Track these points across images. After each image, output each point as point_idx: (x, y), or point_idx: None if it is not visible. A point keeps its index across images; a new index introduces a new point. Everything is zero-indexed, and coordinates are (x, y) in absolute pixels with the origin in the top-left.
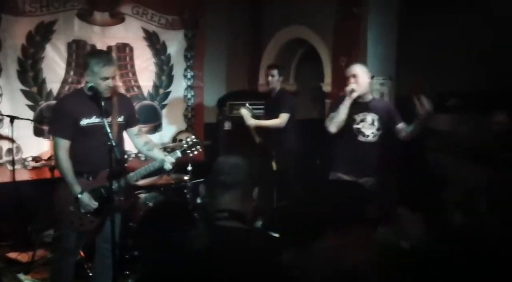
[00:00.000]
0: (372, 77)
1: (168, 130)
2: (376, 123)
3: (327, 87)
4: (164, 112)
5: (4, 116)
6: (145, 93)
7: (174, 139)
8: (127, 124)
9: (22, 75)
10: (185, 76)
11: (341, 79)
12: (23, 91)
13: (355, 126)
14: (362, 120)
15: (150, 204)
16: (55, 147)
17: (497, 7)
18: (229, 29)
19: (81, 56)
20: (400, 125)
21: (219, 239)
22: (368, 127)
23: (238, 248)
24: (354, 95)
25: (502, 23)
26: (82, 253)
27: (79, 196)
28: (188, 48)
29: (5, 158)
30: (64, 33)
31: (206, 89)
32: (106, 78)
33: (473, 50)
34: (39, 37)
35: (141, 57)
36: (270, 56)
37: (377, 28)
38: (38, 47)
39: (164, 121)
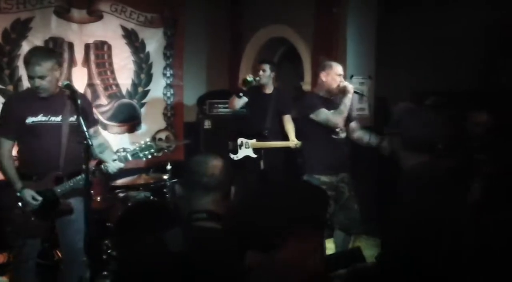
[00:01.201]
0: (352, 76)
1: (147, 129)
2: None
3: (307, 86)
4: (143, 111)
5: None
6: (124, 91)
7: (153, 138)
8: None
9: None
10: (164, 74)
11: None
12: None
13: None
14: None
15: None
16: None
17: (476, 6)
18: (209, 28)
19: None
20: (353, 124)
21: (197, 239)
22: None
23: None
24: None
25: (481, 21)
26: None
27: (19, 193)
28: (167, 47)
29: None
30: (41, 30)
31: (186, 88)
32: (32, 78)
33: (452, 49)
34: (15, 35)
35: (119, 55)
36: (250, 55)
37: (356, 28)
38: (14, 44)
39: (143, 120)
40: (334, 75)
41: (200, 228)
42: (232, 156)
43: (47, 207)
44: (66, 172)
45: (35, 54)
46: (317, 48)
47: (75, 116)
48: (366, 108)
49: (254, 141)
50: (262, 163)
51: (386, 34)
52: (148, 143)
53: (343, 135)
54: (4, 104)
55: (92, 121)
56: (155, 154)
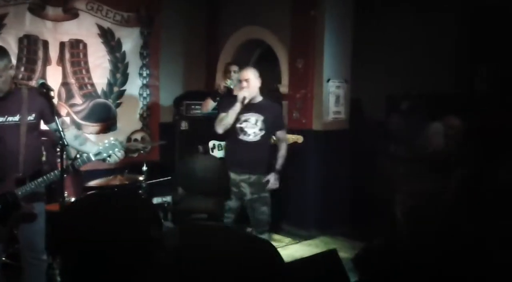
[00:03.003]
0: (328, 80)
1: (122, 130)
2: (259, 124)
3: (284, 88)
4: (118, 111)
5: None
6: (99, 91)
7: (128, 139)
8: (42, 122)
9: None
10: (140, 74)
11: (298, 80)
12: None
13: (238, 125)
14: (245, 120)
15: None
16: None
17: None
18: (186, 28)
19: (33, 52)
20: (279, 133)
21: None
22: (251, 127)
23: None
24: (246, 101)
25: (457, 24)
26: None
27: None
28: (144, 46)
29: None
30: (15, 27)
31: (162, 89)
32: None
33: (427, 53)
34: None
35: (95, 54)
36: (227, 56)
37: (333, 31)
38: None
39: (119, 120)
40: (241, 79)
41: (201, 227)
42: None
43: (8, 210)
44: (27, 173)
45: None
46: (294, 50)
47: (34, 115)
48: (343, 111)
49: None
50: None
51: (363, 37)
52: (112, 142)
53: (253, 138)
54: None
55: (53, 116)
56: (119, 154)
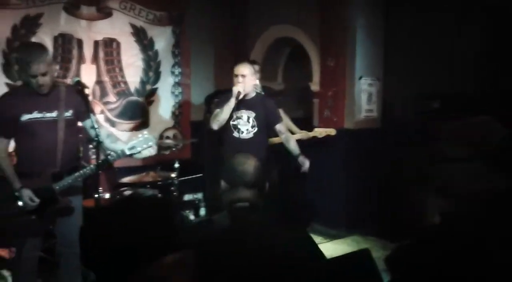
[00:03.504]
0: (360, 77)
1: (154, 127)
2: (251, 121)
3: (315, 86)
4: (151, 109)
5: None
6: (132, 89)
7: (160, 137)
8: (78, 118)
9: (6, 69)
10: (172, 72)
11: (330, 79)
12: (8, 85)
13: (232, 122)
14: (238, 117)
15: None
16: None
17: (484, 8)
18: (216, 27)
19: (67, 51)
20: (278, 126)
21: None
22: (243, 124)
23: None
24: (240, 96)
25: (488, 24)
26: None
27: (17, 193)
28: (175, 45)
29: None
30: (50, 26)
31: (193, 87)
32: (33, 76)
33: (460, 51)
34: (24, 31)
35: (128, 52)
36: (257, 55)
37: (365, 28)
38: (23, 40)
39: (151, 118)
40: (234, 76)
41: (243, 214)
42: None
43: (46, 204)
44: (64, 168)
45: (33, 52)
46: (325, 48)
47: (70, 111)
48: (375, 109)
49: None
50: None
51: (395, 35)
52: (146, 136)
53: (246, 136)
54: None
55: (88, 114)
56: (151, 149)
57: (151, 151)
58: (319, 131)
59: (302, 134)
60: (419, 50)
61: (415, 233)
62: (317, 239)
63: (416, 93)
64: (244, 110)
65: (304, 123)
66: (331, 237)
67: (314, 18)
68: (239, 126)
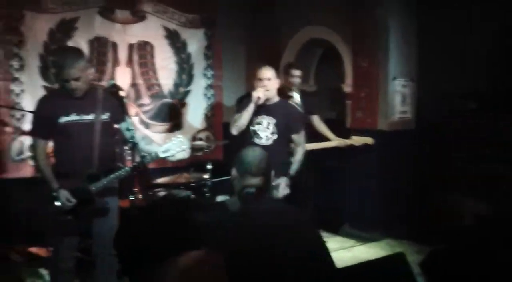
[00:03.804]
0: (394, 78)
1: (188, 129)
2: (270, 127)
3: (347, 87)
4: (184, 110)
5: (27, 112)
6: (166, 91)
7: (193, 138)
8: (114, 121)
9: (44, 72)
10: (205, 75)
11: (362, 80)
12: (45, 87)
13: (251, 128)
14: (258, 123)
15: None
16: (31, 146)
17: None
18: (248, 28)
19: (103, 54)
20: (295, 136)
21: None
22: (263, 130)
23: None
24: (260, 101)
25: None
26: None
27: (55, 193)
28: (208, 47)
29: (27, 154)
30: (86, 30)
31: (225, 89)
32: (66, 81)
33: (496, 50)
34: (61, 34)
35: (161, 55)
36: (289, 56)
37: (398, 29)
38: (59, 44)
39: (184, 119)
40: (256, 79)
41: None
42: None
43: (82, 205)
44: (100, 170)
45: (67, 57)
46: (357, 49)
47: (107, 114)
48: (409, 111)
49: None
50: None
51: (429, 35)
52: (179, 139)
53: (265, 142)
54: (36, 105)
55: (127, 114)
56: (183, 151)
57: (184, 154)
58: (356, 140)
59: (339, 141)
60: (454, 49)
61: (452, 237)
62: (349, 242)
63: (452, 94)
64: (264, 116)
65: (337, 124)
66: (364, 240)
67: (346, 18)
68: (258, 132)
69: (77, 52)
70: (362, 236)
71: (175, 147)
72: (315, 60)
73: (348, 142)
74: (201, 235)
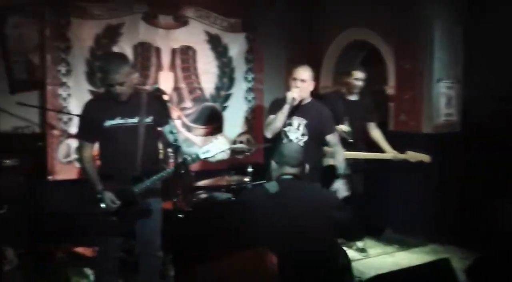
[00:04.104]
0: (439, 80)
1: (229, 132)
2: (301, 128)
3: (390, 90)
4: (225, 114)
5: (73, 116)
6: (207, 95)
7: (234, 141)
8: (157, 124)
9: (90, 76)
10: (245, 78)
11: (406, 82)
12: (91, 91)
13: (283, 129)
14: (289, 124)
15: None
16: (77, 149)
17: None
18: (288, 31)
19: (146, 59)
20: (330, 137)
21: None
22: (293, 131)
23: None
24: (295, 103)
25: None
26: None
27: (99, 195)
28: (249, 51)
29: (74, 156)
30: (130, 36)
31: (266, 92)
32: (111, 86)
33: None
34: (106, 40)
35: (203, 59)
36: (331, 59)
37: (443, 30)
38: (105, 49)
39: (225, 123)
40: (291, 79)
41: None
42: None
43: (126, 206)
44: (144, 172)
45: (112, 63)
46: (401, 51)
47: (151, 117)
48: (454, 113)
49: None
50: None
51: (475, 36)
52: (219, 141)
53: (298, 141)
54: (83, 109)
55: (169, 118)
56: (223, 152)
57: (224, 155)
58: (412, 156)
59: (394, 155)
60: (501, 49)
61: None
62: (392, 247)
63: (498, 95)
64: (295, 117)
65: (379, 128)
66: (407, 245)
67: (389, 19)
68: (288, 133)
69: (122, 57)
70: (405, 241)
71: (215, 148)
72: (357, 62)
73: (401, 156)
74: (255, 233)
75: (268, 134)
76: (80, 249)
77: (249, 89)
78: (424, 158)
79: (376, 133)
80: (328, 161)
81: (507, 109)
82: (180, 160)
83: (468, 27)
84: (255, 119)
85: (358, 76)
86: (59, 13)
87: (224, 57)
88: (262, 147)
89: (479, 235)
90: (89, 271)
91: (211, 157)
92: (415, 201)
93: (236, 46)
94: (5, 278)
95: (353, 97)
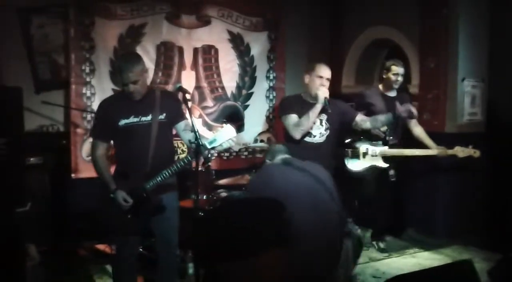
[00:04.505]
0: (463, 79)
1: (250, 131)
2: (324, 123)
3: (414, 88)
4: (246, 112)
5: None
6: (229, 94)
7: (255, 140)
8: (171, 122)
9: (113, 76)
10: (267, 77)
11: (430, 81)
12: (114, 91)
13: None
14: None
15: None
16: (92, 148)
17: None
18: (310, 30)
19: (169, 58)
20: (359, 117)
21: None
22: (316, 127)
23: None
24: (327, 102)
25: None
26: None
27: (112, 195)
28: (271, 50)
29: None
30: (153, 35)
31: (287, 90)
32: (125, 84)
33: None
34: (130, 40)
35: (225, 58)
36: (353, 58)
37: (467, 27)
38: (129, 49)
39: (246, 121)
40: (315, 77)
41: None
42: (349, 166)
43: (139, 204)
44: (156, 168)
45: (126, 62)
46: (425, 49)
47: (165, 114)
48: (479, 113)
49: (385, 148)
50: (392, 174)
51: (500, 35)
52: (225, 129)
53: (318, 139)
54: (97, 108)
55: (182, 116)
56: (230, 140)
57: (231, 143)
58: (460, 150)
59: (440, 151)
60: None
61: None
62: (414, 247)
63: None
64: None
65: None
66: (430, 246)
67: (412, 17)
68: (311, 130)
69: (135, 57)
70: (428, 241)
71: (220, 136)
72: (380, 61)
73: (449, 152)
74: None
75: (298, 135)
76: (101, 246)
77: (271, 88)
78: (475, 152)
79: (418, 130)
80: (367, 125)
81: None
82: (200, 157)
83: (493, 25)
84: (276, 118)
85: (399, 72)
86: (83, 13)
87: (246, 56)
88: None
89: (503, 236)
90: (110, 268)
91: (219, 145)
92: (437, 201)
93: (258, 45)
94: (28, 274)
95: (392, 93)
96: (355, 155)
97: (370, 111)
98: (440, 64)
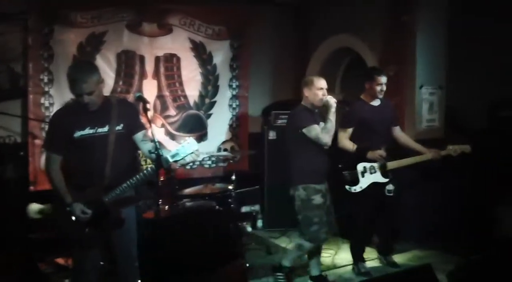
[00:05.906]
0: (421, 86)
1: (213, 140)
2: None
3: None
4: (209, 121)
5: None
6: (191, 103)
7: (219, 149)
8: (129, 132)
9: None
10: (230, 86)
11: (390, 88)
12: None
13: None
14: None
15: None
16: (46, 160)
17: None
18: (275, 39)
19: (130, 66)
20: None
21: None
22: None
23: None
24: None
25: None
26: None
27: (68, 208)
28: (233, 58)
29: None
30: (114, 44)
31: (251, 99)
32: (79, 95)
33: None
34: (90, 48)
35: (187, 67)
36: (316, 66)
37: (426, 35)
38: (88, 57)
39: (209, 130)
40: (316, 90)
41: None
42: (350, 188)
43: (98, 217)
44: (117, 181)
45: (79, 72)
46: (385, 57)
47: (122, 125)
48: (437, 119)
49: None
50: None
51: (458, 42)
52: (188, 143)
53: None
54: (50, 120)
55: (141, 126)
56: (193, 154)
57: (194, 156)
58: (453, 149)
59: (433, 154)
60: (486, 55)
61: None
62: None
63: (483, 101)
64: (319, 122)
65: None
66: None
67: (373, 26)
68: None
69: (90, 66)
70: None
71: (183, 150)
72: (341, 69)
73: (443, 153)
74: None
75: (329, 140)
76: (61, 260)
77: (234, 97)
78: (465, 148)
79: (404, 137)
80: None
81: (491, 115)
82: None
83: (451, 33)
84: (240, 127)
85: (382, 81)
86: (42, 21)
87: (209, 64)
88: (246, 154)
89: (462, 240)
90: None
91: (181, 159)
92: (400, 206)
93: (221, 54)
94: None
95: (376, 103)
96: (354, 176)
97: (360, 125)
98: (399, 71)
